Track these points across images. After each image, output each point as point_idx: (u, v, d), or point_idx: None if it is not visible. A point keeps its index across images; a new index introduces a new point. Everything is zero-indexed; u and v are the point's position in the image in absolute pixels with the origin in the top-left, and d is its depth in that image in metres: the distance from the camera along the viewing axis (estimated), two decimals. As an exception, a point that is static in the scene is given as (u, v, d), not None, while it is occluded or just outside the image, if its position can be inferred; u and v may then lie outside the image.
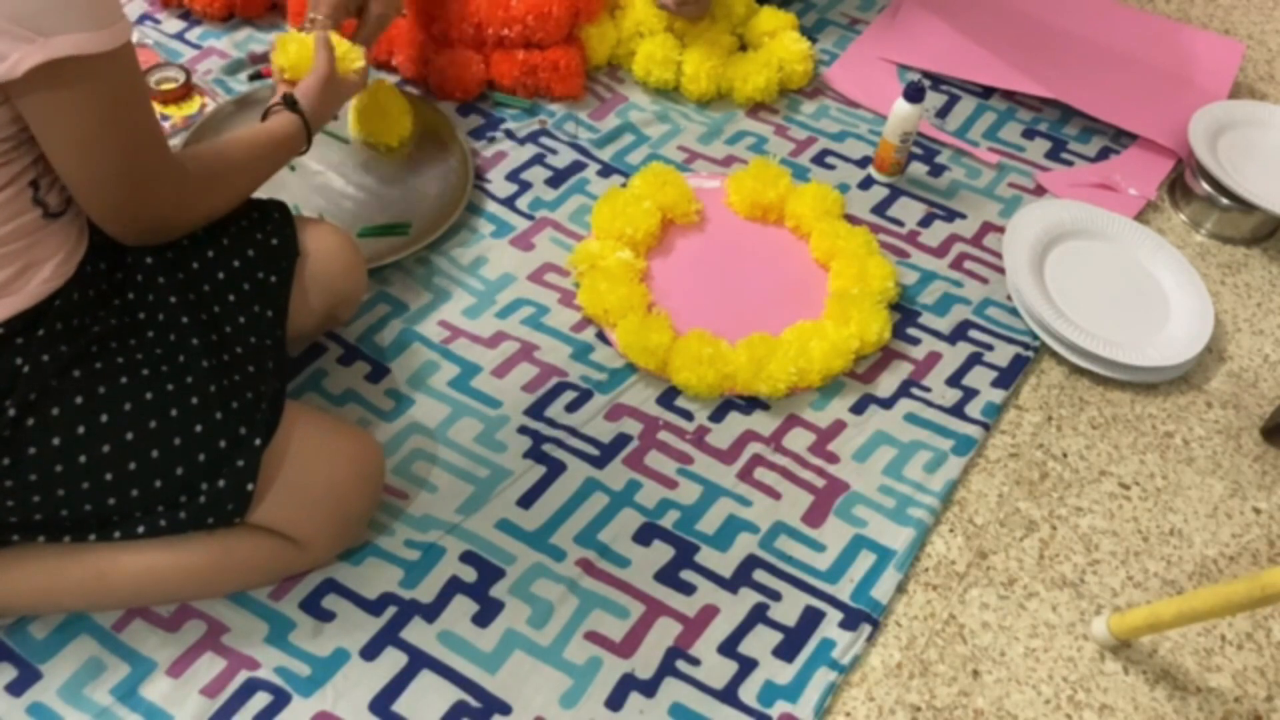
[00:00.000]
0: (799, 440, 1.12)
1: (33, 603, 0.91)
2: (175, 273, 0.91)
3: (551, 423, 1.10)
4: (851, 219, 1.34)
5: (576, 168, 1.36)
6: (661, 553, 1.02)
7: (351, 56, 1.12)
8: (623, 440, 1.10)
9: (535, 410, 1.11)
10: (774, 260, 1.29)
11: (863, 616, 0.99)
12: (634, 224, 1.23)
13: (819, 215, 1.28)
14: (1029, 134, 1.49)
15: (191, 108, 1.35)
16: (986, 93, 1.54)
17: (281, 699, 0.90)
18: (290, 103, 1.02)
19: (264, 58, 1.44)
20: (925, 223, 1.35)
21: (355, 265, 1.06)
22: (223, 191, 0.92)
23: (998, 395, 1.18)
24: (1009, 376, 1.19)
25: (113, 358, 0.83)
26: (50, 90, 0.71)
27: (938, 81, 1.54)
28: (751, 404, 1.14)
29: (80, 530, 0.85)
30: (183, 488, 0.84)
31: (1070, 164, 1.46)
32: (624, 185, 1.32)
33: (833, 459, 1.11)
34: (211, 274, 0.93)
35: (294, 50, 1.09)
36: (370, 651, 0.93)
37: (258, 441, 0.86)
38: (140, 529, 0.86)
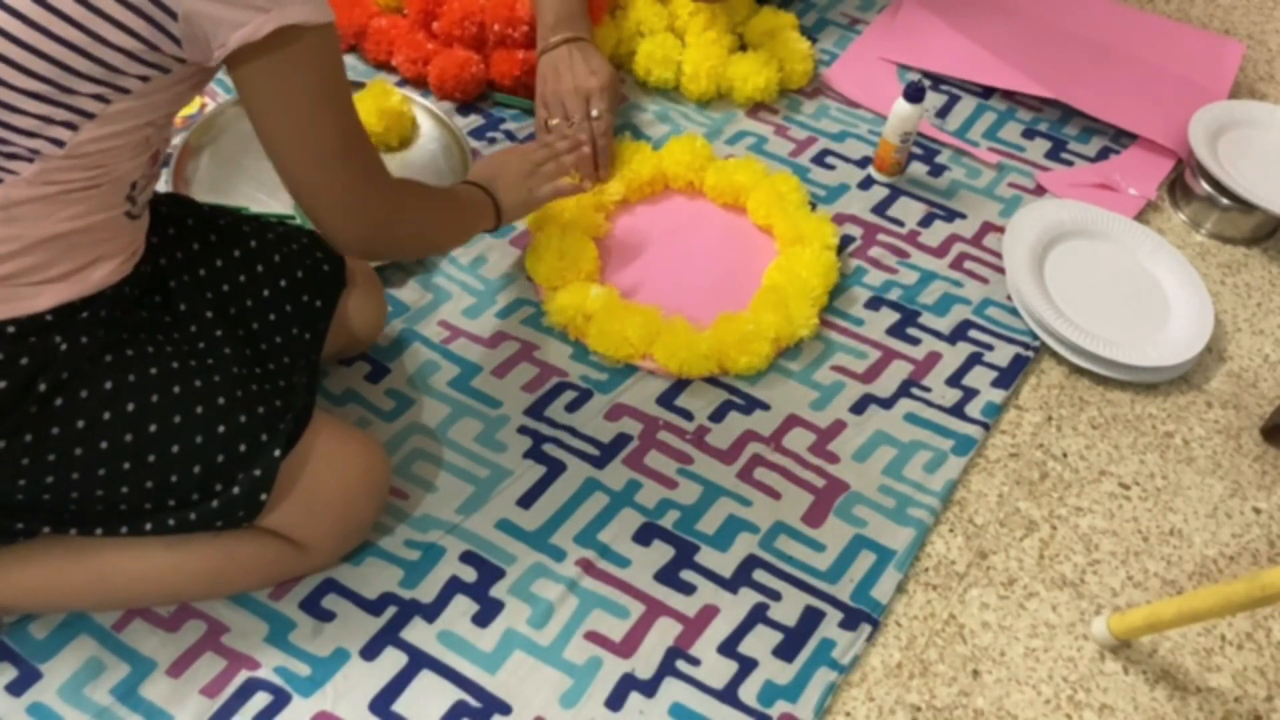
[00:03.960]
0: (799, 440, 1.12)
1: (35, 602, 0.91)
2: (221, 282, 0.92)
3: (551, 423, 1.10)
4: (851, 219, 1.34)
5: (576, 168, 1.36)
6: (661, 553, 1.02)
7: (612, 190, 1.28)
8: (623, 440, 1.10)
9: (535, 410, 1.11)
10: (719, 236, 1.32)
11: (863, 616, 0.99)
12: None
13: (753, 181, 1.31)
14: (1029, 134, 1.49)
15: (191, 108, 1.34)
16: (986, 93, 1.54)
17: (281, 699, 0.90)
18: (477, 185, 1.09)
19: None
20: (925, 223, 1.35)
21: (380, 304, 1.10)
22: (417, 213, 0.94)
23: (998, 395, 1.18)
24: (1009, 376, 1.19)
25: (144, 347, 0.83)
26: (280, 54, 0.74)
27: (938, 81, 1.54)
28: (751, 404, 1.14)
29: (87, 522, 0.85)
30: (197, 486, 0.85)
31: (1070, 164, 1.46)
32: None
33: (833, 459, 1.11)
34: (257, 289, 0.94)
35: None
36: (370, 651, 0.93)
37: (277, 453, 0.86)
38: (148, 526, 0.86)
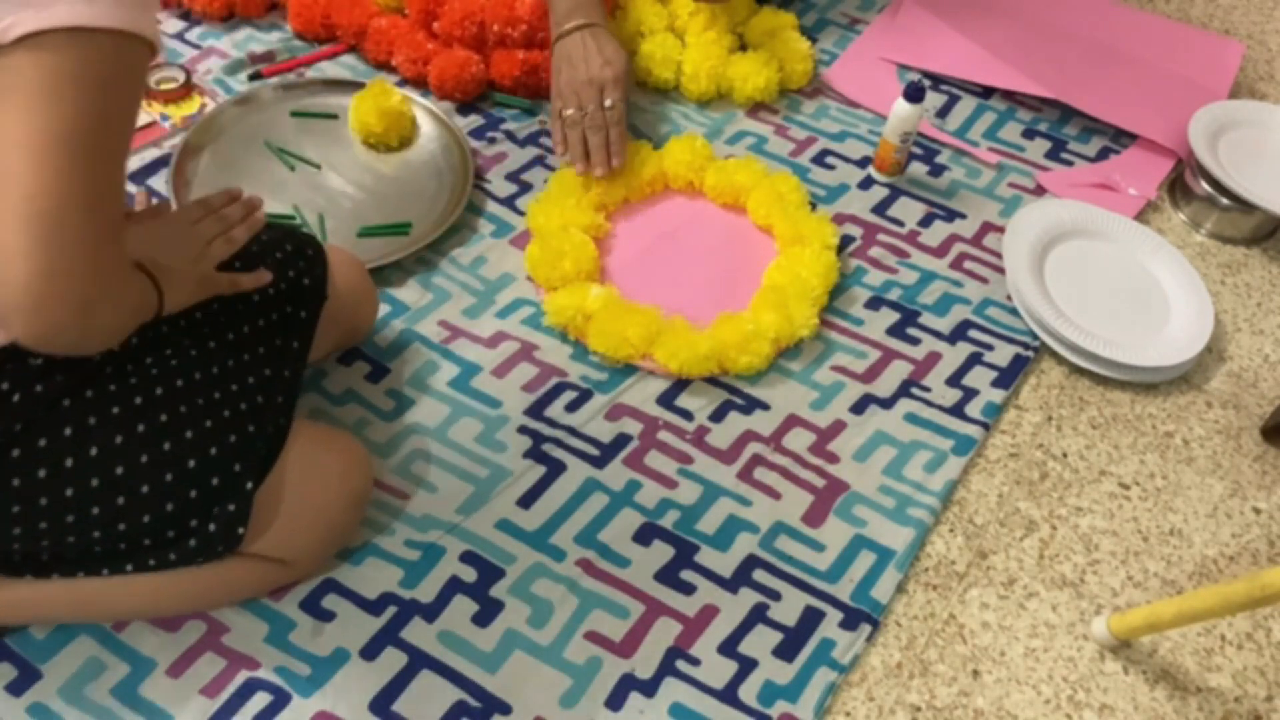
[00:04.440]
0: (799, 440, 1.12)
1: (18, 617, 0.90)
2: (194, 309, 0.88)
3: (551, 423, 1.10)
4: (851, 219, 1.34)
5: (576, 168, 1.36)
6: (661, 553, 1.02)
7: None
8: (623, 440, 1.10)
9: (535, 410, 1.11)
10: (719, 236, 1.32)
11: (863, 616, 0.99)
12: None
13: (754, 181, 1.31)
14: (1029, 134, 1.49)
15: (191, 107, 1.35)
16: (986, 93, 1.54)
17: (281, 699, 0.90)
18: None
19: (264, 58, 1.44)
20: (925, 223, 1.35)
21: (370, 300, 1.08)
22: (120, 309, 0.72)
23: (998, 395, 1.18)
24: (1009, 376, 1.19)
25: (106, 386, 0.79)
26: (29, 63, 0.60)
27: (938, 81, 1.54)
28: (751, 404, 1.14)
29: (66, 566, 0.84)
30: (172, 524, 0.83)
31: (1070, 164, 1.46)
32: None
33: (833, 459, 1.11)
34: (232, 303, 0.90)
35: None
36: (370, 651, 0.93)
37: (250, 485, 0.85)
38: (129, 567, 0.84)
